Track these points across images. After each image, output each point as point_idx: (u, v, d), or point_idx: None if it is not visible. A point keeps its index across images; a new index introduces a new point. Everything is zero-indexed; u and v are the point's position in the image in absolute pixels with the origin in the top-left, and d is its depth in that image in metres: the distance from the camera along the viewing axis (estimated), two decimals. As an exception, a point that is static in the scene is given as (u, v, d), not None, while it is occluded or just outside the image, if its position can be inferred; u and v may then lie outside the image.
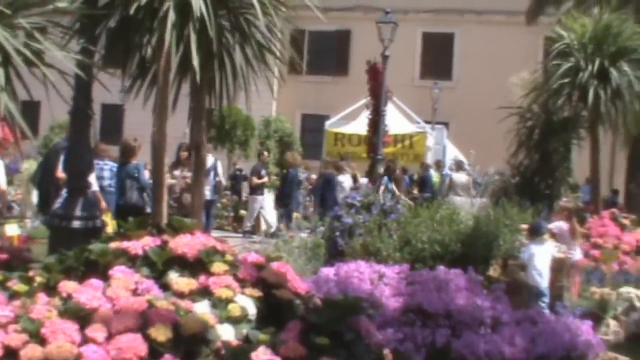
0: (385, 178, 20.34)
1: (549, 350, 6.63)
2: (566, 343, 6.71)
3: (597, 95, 15.24)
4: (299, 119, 39.02)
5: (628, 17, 16.42)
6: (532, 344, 6.69)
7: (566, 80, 15.52)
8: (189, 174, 12.82)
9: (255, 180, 19.28)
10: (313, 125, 35.50)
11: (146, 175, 12.27)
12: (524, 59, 24.53)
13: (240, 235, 19.30)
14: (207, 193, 15.21)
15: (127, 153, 12.27)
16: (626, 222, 14.36)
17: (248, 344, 4.89)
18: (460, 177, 21.07)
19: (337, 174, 18.86)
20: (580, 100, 15.74)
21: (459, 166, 22.69)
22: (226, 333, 4.84)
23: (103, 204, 11.92)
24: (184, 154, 13.67)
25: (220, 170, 16.77)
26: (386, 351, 5.76)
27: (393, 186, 18.98)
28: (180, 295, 5.00)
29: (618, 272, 12.36)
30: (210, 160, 15.78)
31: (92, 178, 11.82)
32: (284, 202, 18.34)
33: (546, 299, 9.14)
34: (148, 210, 11.64)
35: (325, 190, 18.60)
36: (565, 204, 12.53)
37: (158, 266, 5.21)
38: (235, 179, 24.38)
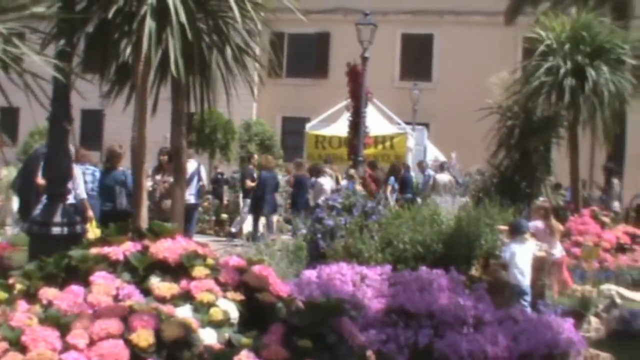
0: (392, 178, 20.40)
1: (531, 348, 6.65)
2: (548, 341, 6.73)
3: (575, 94, 15.33)
4: (279, 122, 39.00)
5: (605, 17, 16.53)
6: (515, 343, 6.70)
7: (545, 79, 15.61)
8: (169, 179, 12.83)
9: (249, 183, 19.25)
10: (294, 128, 35.47)
11: None
12: (503, 59, 24.74)
13: (224, 239, 19.30)
14: (191, 197, 15.23)
15: (113, 159, 12.30)
16: (606, 219, 14.46)
17: (230, 347, 4.88)
18: (443, 178, 21.14)
19: (308, 176, 18.89)
20: (559, 99, 15.83)
21: (441, 167, 22.76)
22: (208, 337, 4.82)
23: (90, 213, 11.92)
24: (164, 158, 13.66)
25: (203, 174, 16.59)
26: (369, 353, 5.76)
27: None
28: (162, 300, 4.98)
29: (599, 270, 12.44)
30: (193, 164, 15.68)
31: (80, 186, 11.88)
32: (257, 205, 18.26)
33: (528, 298, 9.17)
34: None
35: (296, 192, 18.64)
36: (541, 203, 12.57)
37: (139, 271, 5.19)
38: (217, 183, 24.30)
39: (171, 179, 12.50)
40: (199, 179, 15.74)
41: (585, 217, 14.34)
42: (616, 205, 19.04)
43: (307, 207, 18.89)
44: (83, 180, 12.06)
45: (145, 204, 7.89)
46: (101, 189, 12.34)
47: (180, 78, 7.37)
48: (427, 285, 7.33)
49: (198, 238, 16.61)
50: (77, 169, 12.16)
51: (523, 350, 6.64)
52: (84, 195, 12.04)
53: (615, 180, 17.98)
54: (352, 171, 19.64)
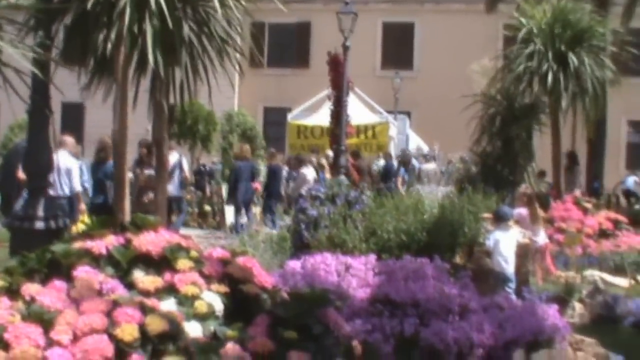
0: (402, 169, 20.39)
1: (516, 335, 6.65)
2: (533, 327, 6.73)
3: (557, 80, 15.37)
4: (261, 113, 38.88)
5: (585, 3, 16.57)
6: (500, 330, 6.70)
7: (526, 65, 15.63)
8: (150, 172, 12.83)
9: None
10: (275, 118, 35.39)
11: None
12: (484, 46, 24.64)
13: (207, 231, 19.26)
14: (173, 189, 15.45)
15: (104, 152, 12.30)
16: (588, 205, 14.51)
17: (216, 340, 4.85)
18: (428, 167, 21.21)
19: (282, 166, 18.95)
20: (541, 86, 15.86)
21: (425, 157, 22.80)
22: (194, 330, 4.80)
23: (82, 206, 11.91)
24: (144, 150, 13.64)
25: (185, 166, 16.86)
26: (355, 342, 5.74)
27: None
28: (146, 293, 4.95)
29: (582, 256, 12.49)
30: (175, 156, 15.97)
31: (75, 179, 11.87)
32: (233, 195, 18.22)
33: (512, 285, 9.19)
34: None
35: (270, 182, 18.66)
36: (524, 190, 12.59)
37: (122, 265, 5.16)
38: (200, 175, 24.22)
39: (151, 172, 12.57)
40: (181, 171, 15.95)
41: (568, 204, 14.39)
42: (577, 192, 19.05)
43: (280, 197, 18.99)
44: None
45: (127, 197, 7.82)
46: (92, 182, 12.30)
47: (159, 68, 7.30)
48: (411, 274, 7.31)
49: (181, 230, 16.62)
50: (74, 161, 12.17)
51: (509, 337, 6.64)
52: (79, 188, 12.04)
53: (578, 167, 18.05)
54: (322, 160, 19.74)
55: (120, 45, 7.42)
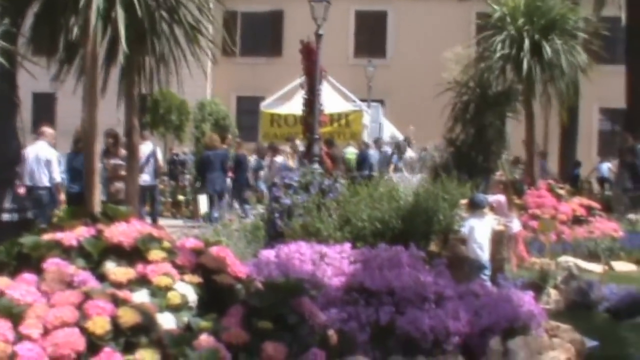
0: (395, 157, 20.37)
1: (492, 322, 6.62)
2: (509, 314, 6.71)
3: (531, 67, 15.39)
4: (234, 101, 38.72)
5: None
6: (476, 317, 6.67)
7: (500, 53, 15.65)
8: (116, 161, 12.85)
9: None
10: (249, 107, 35.25)
11: None
12: (457, 35, 24.78)
13: (180, 220, 19.21)
14: (148, 178, 15.88)
15: (81, 142, 12.00)
16: (562, 192, 14.55)
17: (190, 332, 4.79)
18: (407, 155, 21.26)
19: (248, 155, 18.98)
20: (515, 73, 15.88)
21: (397, 146, 22.82)
22: (167, 322, 4.73)
23: (62, 196, 11.91)
24: (110, 140, 13.62)
25: (159, 156, 17.06)
26: (330, 332, 5.70)
27: None
28: (118, 285, 4.88)
29: (556, 242, 12.52)
30: (149, 146, 16.27)
31: (55, 169, 11.85)
32: (202, 185, 18.16)
33: (487, 272, 9.18)
34: (102, 198, 11.74)
35: (236, 171, 18.63)
36: (499, 177, 12.61)
37: (94, 257, 5.08)
38: (173, 164, 24.12)
39: (118, 161, 12.61)
40: (155, 160, 16.21)
41: (542, 191, 14.42)
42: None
43: (248, 186, 18.99)
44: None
45: (98, 187, 7.71)
46: (68, 171, 12.27)
47: (130, 56, 7.18)
48: (386, 263, 7.27)
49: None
50: (53, 152, 12.14)
51: (485, 324, 6.62)
52: (59, 179, 12.02)
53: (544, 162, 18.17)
54: (287, 148, 19.89)
55: (88, 33, 7.29)
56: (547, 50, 15.41)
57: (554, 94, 16.09)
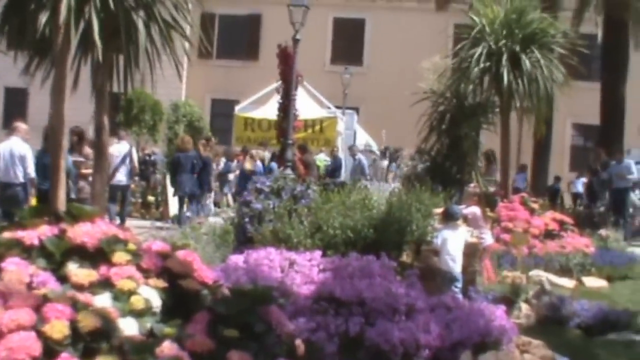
0: (394, 165, 20.29)
1: (464, 336, 6.51)
2: (481, 329, 6.60)
3: (510, 80, 15.35)
4: (208, 104, 38.53)
5: (537, 3, 16.58)
6: (447, 331, 6.56)
7: (478, 65, 15.59)
8: (77, 158, 12.77)
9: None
10: (223, 110, 35.12)
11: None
12: (434, 45, 24.72)
13: (148, 222, 18.94)
14: (123, 178, 16.16)
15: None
16: (535, 206, 14.50)
17: (152, 338, 4.63)
18: (383, 164, 21.24)
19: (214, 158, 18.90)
20: (493, 85, 15.84)
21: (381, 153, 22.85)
22: (129, 327, 4.56)
23: (33, 192, 11.85)
24: (74, 138, 13.53)
25: (135, 156, 17.21)
26: (298, 342, 5.56)
27: None
28: (80, 287, 4.70)
29: (528, 256, 12.46)
30: (125, 146, 16.52)
31: (30, 165, 11.75)
32: (174, 187, 17.98)
33: (459, 284, 9.07)
34: (72, 195, 12.11)
35: (201, 174, 18.52)
36: (473, 189, 12.51)
37: (56, 257, 4.90)
38: (145, 164, 23.86)
39: (79, 159, 12.52)
40: (130, 160, 16.41)
41: (515, 204, 14.36)
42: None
43: (209, 189, 18.91)
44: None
45: (63, 185, 7.49)
46: (38, 167, 12.13)
47: (102, 51, 6.99)
48: (357, 272, 7.15)
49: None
50: (27, 147, 12.03)
51: (456, 338, 6.50)
52: (33, 175, 11.96)
53: (495, 167, 18.20)
54: (252, 152, 19.91)
55: (58, 27, 7.09)
56: (527, 63, 15.38)
57: (530, 107, 16.06)
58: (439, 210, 10.39)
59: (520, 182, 22.23)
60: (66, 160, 12.12)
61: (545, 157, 26.33)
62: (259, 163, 19.75)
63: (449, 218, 9.47)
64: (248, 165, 19.71)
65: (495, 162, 17.65)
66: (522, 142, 24.17)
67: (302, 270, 7.35)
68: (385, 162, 21.67)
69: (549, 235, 13.70)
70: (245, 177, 18.82)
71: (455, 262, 9.08)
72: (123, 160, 16.17)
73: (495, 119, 16.30)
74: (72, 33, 7.08)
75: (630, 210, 19.65)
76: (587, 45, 17.55)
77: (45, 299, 4.36)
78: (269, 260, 7.47)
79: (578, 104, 23.88)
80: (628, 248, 15.09)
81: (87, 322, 4.26)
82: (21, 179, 12.00)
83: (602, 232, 15.67)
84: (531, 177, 25.12)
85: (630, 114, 23.94)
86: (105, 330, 4.34)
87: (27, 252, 4.89)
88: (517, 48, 15.55)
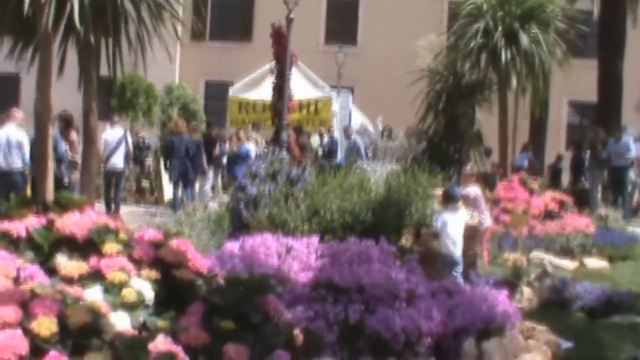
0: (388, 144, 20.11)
1: (467, 323, 6.33)
2: (484, 315, 6.42)
3: (507, 57, 15.13)
4: (202, 86, 38.22)
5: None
6: (450, 317, 6.38)
7: (475, 42, 15.37)
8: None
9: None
10: (217, 92, 34.78)
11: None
12: (428, 23, 24.50)
13: (143, 207, 18.77)
14: (120, 163, 16.16)
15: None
16: (535, 186, 14.31)
17: (146, 331, 4.46)
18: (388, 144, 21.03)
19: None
20: (490, 62, 15.62)
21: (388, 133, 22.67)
22: (121, 321, 4.40)
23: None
24: (61, 124, 13.48)
25: (130, 140, 17.15)
26: (296, 331, 5.43)
27: None
28: (69, 280, 4.56)
29: (528, 237, 12.29)
30: (119, 131, 16.50)
31: (27, 152, 11.66)
32: (168, 171, 17.72)
33: (459, 268, 8.89)
34: (66, 181, 12.20)
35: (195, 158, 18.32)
36: (471, 170, 12.31)
37: (44, 249, 4.78)
38: (139, 149, 23.65)
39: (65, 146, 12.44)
40: (126, 144, 16.39)
41: (514, 183, 14.17)
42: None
43: (202, 171, 18.72)
44: None
45: (51, 173, 7.27)
46: (33, 154, 12.03)
47: (88, 34, 6.76)
48: (356, 257, 6.97)
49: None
50: (24, 134, 11.93)
51: (459, 325, 6.33)
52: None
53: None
54: (241, 133, 19.77)
55: (41, 7, 6.84)
56: (524, 39, 15.16)
57: (528, 85, 15.85)
58: (439, 191, 10.19)
59: (523, 162, 22.05)
60: (60, 145, 12.04)
61: (542, 136, 26.16)
62: (246, 145, 19.40)
63: (448, 200, 9.26)
64: (233, 147, 19.48)
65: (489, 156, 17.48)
66: (518, 121, 24.01)
67: (299, 257, 7.17)
68: (386, 143, 21.39)
69: (548, 215, 13.53)
70: (231, 160, 18.60)
71: (455, 246, 8.90)
72: (118, 145, 16.05)
73: (492, 97, 16.08)
74: (57, 14, 6.83)
75: (629, 188, 19.45)
76: (583, 21, 17.33)
77: (33, 294, 4.19)
78: (266, 247, 7.27)
79: (574, 81, 23.66)
80: (628, 227, 14.91)
81: (77, 318, 4.10)
82: (20, 166, 12.01)
83: (602, 211, 15.52)
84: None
85: (627, 91, 23.74)
86: (96, 326, 4.19)
87: (14, 244, 4.76)
88: (515, 24, 15.31)
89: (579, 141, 22.98)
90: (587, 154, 20.13)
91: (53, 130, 11.97)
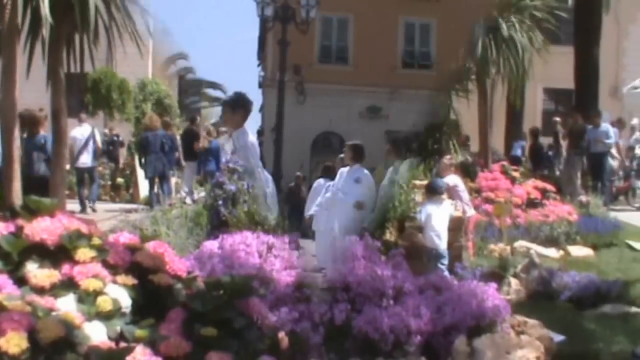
0: None
1: (457, 319, 6.11)
2: (474, 311, 6.19)
3: (486, 47, 14.98)
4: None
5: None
6: (439, 314, 6.16)
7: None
8: None
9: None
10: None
11: None
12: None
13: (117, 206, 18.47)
14: (88, 160, 16.54)
15: (33, 124, 12.13)
16: (516, 174, 14.17)
17: (123, 341, 4.21)
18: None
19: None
20: (468, 52, 15.47)
21: None
22: (96, 333, 4.14)
23: None
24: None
25: (98, 137, 17.31)
26: (281, 334, 5.20)
27: None
28: (40, 290, 4.30)
29: (511, 227, 12.14)
30: (87, 128, 16.77)
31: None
32: (143, 168, 17.43)
33: (445, 261, 8.71)
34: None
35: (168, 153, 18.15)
36: (449, 161, 12.13)
37: (12, 257, 4.49)
38: (113, 145, 23.33)
39: None
40: (94, 142, 16.72)
41: (496, 173, 14.02)
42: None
43: (178, 165, 18.57)
44: None
45: (18, 177, 6.97)
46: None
47: (55, 27, 6.47)
48: (340, 254, 6.74)
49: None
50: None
51: (448, 322, 6.10)
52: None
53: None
54: (210, 128, 19.83)
55: (4, 4, 6.53)
56: (504, 28, 15.01)
57: (506, 73, 15.70)
58: (421, 182, 10.00)
59: (517, 151, 21.94)
60: (47, 142, 11.75)
61: (519, 123, 26.07)
62: (217, 140, 19.09)
63: (432, 192, 9.08)
64: (205, 143, 19.22)
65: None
66: (494, 108, 23.89)
67: (281, 255, 6.94)
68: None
69: (530, 204, 13.39)
70: (202, 155, 18.35)
71: (440, 239, 8.72)
72: (86, 143, 16.29)
73: (471, 86, 15.92)
74: (22, 9, 6.53)
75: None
76: (557, 8, 17.21)
77: (1, 308, 3.92)
78: (246, 245, 7.02)
79: (549, 68, 23.60)
80: (610, 214, 14.81)
81: (48, 332, 3.83)
82: None
83: (582, 198, 15.41)
84: (504, 143, 24.83)
85: (601, 77, 23.64)
86: (70, 339, 3.93)
87: (-20, 253, 4.46)
88: (495, 12, 15.18)
89: (536, 129, 22.98)
90: (556, 141, 20.00)
91: (45, 131, 11.85)
